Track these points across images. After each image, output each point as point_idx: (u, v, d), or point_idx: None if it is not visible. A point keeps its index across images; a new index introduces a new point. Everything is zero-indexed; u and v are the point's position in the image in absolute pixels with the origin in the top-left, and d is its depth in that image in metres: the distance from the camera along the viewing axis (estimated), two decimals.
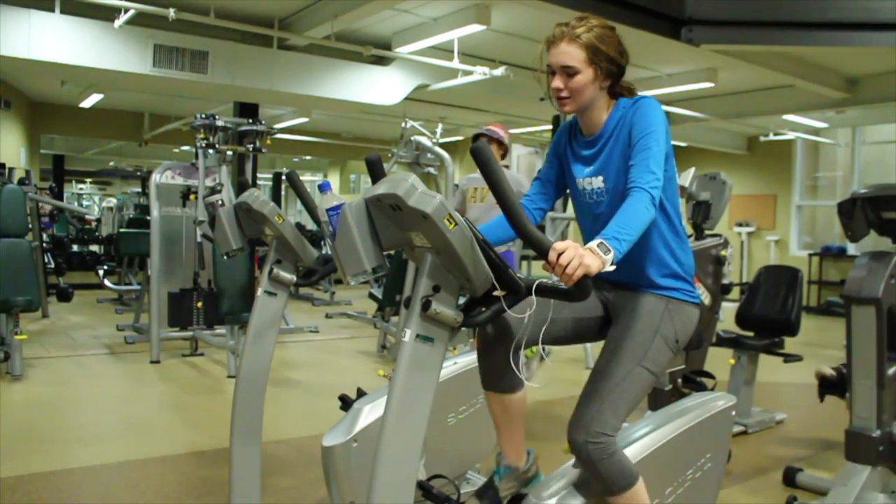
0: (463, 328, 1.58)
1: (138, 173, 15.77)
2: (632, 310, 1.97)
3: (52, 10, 6.05)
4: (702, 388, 3.54)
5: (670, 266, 1.97)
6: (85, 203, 21.94)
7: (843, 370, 3.04)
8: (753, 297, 4.38)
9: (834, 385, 3.06)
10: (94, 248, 11.42)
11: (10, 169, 8.25)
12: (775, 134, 11.23)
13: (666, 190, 1.88)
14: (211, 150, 6.04)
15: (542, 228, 7.23)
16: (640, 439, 1.97)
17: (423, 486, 2.16)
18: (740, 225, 12.52)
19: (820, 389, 3.14)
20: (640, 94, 1.96)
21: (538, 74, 1.99)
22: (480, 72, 7.32)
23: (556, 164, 2.13)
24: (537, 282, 1.51)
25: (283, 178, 15.30)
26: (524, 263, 9.91)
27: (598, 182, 1.97)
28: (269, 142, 6.49)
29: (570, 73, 1.89)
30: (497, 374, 2.03)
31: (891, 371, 2.86)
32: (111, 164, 17.98)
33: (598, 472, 1.81)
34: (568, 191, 2.15)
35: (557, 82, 1.91)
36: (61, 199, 12.73)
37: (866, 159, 11.69)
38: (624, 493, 1.82)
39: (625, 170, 1.84)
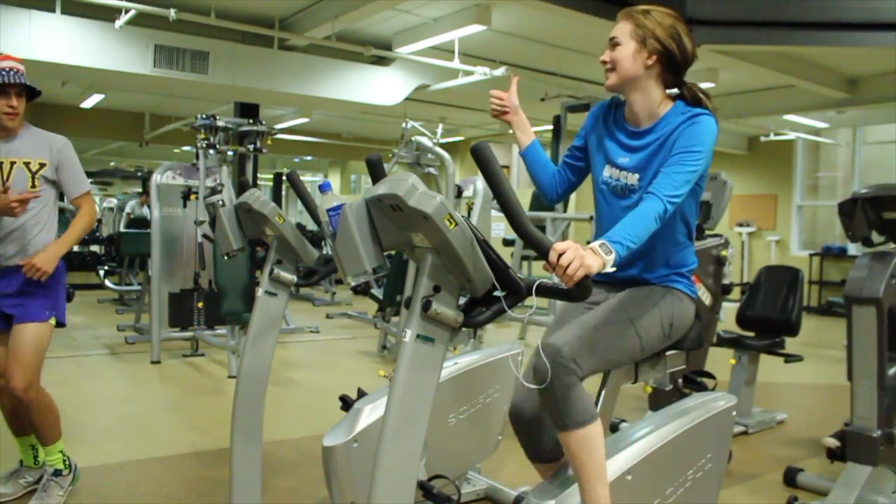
0: (463, 328, 1.58)
1: (139, 174, 15.78)
2: (634, 289, 1.99)
3: (52, 10, 6.06)
4: (702, 388, 3.54)
5: (673, 267, 2.00)
6: None
7: (845, 429, 3.04)
8: (754, 297, 4.38)
9: (840, 455, 3.06)
10: (95, 248, 11.42)
11: None
12: (776, 134, 11.23)
13: (689, 202, 1.90)
14: (211, 151, 6.05)
15: (542, 229, 7.24)
16: (641, 439, 1.97)
17: (423, 487, 2.17)
18: (741, 225, 12.52)
19: (828, 454, 3.13)
20: (702, 109, 1.90)
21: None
22: (481, 72, 7.33)
23: (584, 143, 2.11)
24: (538, 282, 1.51)
25: (284, 178, 15.31)
26: (525, 264, 9.91)
27: (633, 179, 1.94)
28: (269, 142, 6.49)
29: (614, 44, 1.94)
30: (541, 451, 2.06)
31: (891, 371, 2.86)
32: (112, 164, 18.00)
33: (556, 400, 1.76)
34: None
35: (605, 55, 1.96)
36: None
37: (867, 159, 11.69)
38: (577, 429, 1.76)
39: None
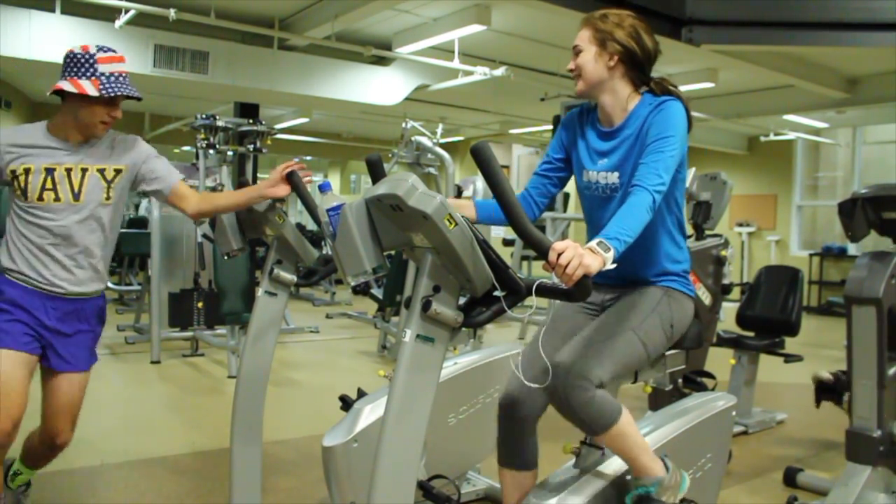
0: (463, 328, 1.58)
1: None
2: (630, 293, 1.99)
3: (52, 10, 6.06)
4: (702, 388, 3.54)
5: (668, 265, 2.00)
6: None
7: (841, 375, 3.03)
8: (754, 297, 4.38)
9: (831, 389, 3.05)
10: None
11: None
12: (776, 134, 11.23)
13: (673, 192, 1.91)
14: (211, 151, 6.06)
15: (542, 229, 7.24)
16: None
17: (423, 487, 2.17)
18: (741, 225, 12.53)
19: (816, 393, 3.14)
20: (668, 96, 1.93)
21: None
22: (481, 72, 7.33)
23: (564, 154, 2.12)
24: (538, 282, 1.51)
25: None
26: (524, 264, 9.92)
27: (613, 178, 1.96)
28: (269, 142, 6.50)
29: (577, 51, 1.97)
30: (516, 450, 2.03)
31: (891, 371, 2.86)
32: None
33: (578, 416, 1.79)
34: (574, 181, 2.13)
35: (570, 63, 1.99)
36: None
37: (867, 159, 11.69)
38: (608, 430, 1.80)
39: None
